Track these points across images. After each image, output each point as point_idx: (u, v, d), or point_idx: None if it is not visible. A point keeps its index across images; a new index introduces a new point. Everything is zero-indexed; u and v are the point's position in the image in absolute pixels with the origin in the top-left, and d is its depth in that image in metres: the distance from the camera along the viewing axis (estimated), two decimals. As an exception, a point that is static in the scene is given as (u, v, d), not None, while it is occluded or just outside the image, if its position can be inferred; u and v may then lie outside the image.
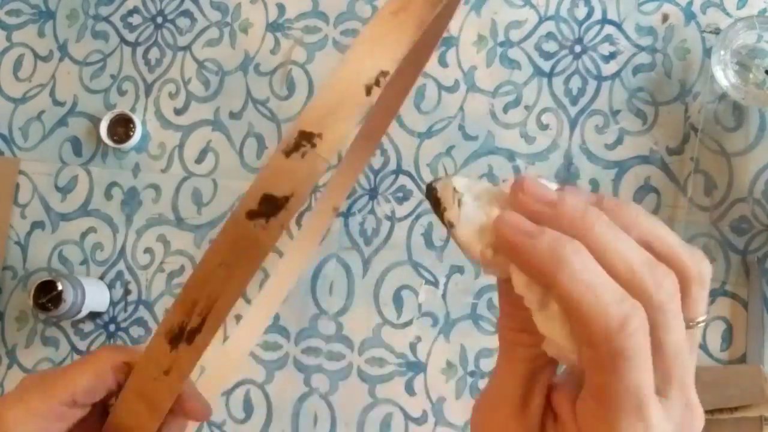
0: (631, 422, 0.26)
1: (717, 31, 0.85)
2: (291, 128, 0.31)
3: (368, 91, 0.31)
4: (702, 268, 0.30)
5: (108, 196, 0.90)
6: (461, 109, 0.87)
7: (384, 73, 0.31)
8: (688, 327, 0.28)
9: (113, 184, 0.90)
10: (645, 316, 0.26)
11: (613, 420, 0.26)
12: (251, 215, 0.31)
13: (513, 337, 0.30)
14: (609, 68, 0.86)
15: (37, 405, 0.37)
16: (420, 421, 0.83)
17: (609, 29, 0.87)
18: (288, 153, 0.31)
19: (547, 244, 0.27)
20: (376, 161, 0.87)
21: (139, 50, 0.92)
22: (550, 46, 0.87)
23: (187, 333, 0.31)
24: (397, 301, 0.85)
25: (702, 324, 0.29)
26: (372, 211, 0.86)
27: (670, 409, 0.27)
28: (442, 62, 0.88)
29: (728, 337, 0.81)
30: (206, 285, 0.31)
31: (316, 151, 0.31)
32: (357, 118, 0.31)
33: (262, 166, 0.31)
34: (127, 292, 0.88)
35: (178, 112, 0.91)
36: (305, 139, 0.31)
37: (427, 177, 0.86)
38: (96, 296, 0.85)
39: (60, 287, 0.79)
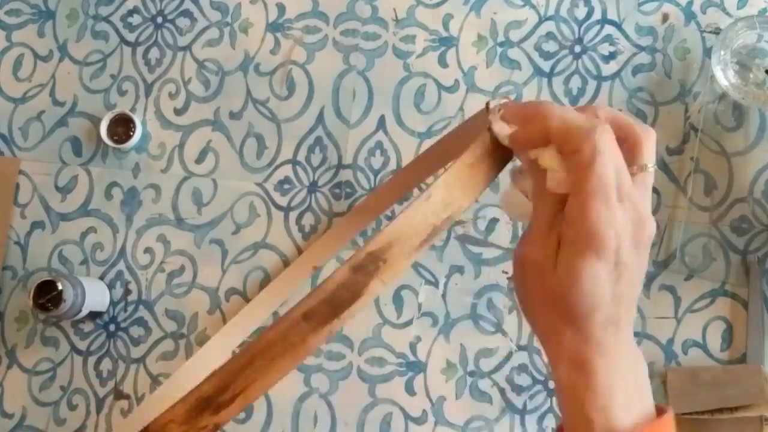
0: (600, 207, 0.38)
1: (717, 31, 0.85)
2: (362, 247, 0.36)
3: (435, 231, 0.37)
4: (647, 130, 0.42)
5: (108, 196, 0.90)
6: (461, 109, 0.87)
7: (449, 219, 0.37)
8: (642, 170, 0.41)
9: (113, 184, 0.90)
10: (610, 131, 0.39)
11: (588, 204, 0.38)
12: (306, 317, 0.33)
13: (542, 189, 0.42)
14: (609, 68, 0.86)
15: None
16: (420, 420, 0.83)
17: (609, 29, 0.87)
18: (355, 269, 0.35)
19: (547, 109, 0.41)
20: (376, 161, 0.87)
21: (139, 50, 0.92)
22: (550, 46, 0.87)
23: (216, 404, 0.31)
24: (397, 301, 0.85)
25: (651, 169, 0.41)
26: (372, 211, 0.86)
27: (625, 208, 0.38)
28: (442, 62, 0.88)
29: (728, 337, 0.81)
30: (248, 367, 0.33)
31: (378, 273, 0.35)
32: (418, 253, 0.37)
33: (326, 278, 0.34)
34: (127, 292, 0.88)
35: (178, 112, 0.91)
36: (372, 261, 0.35)
37: (427, 177, 0.86)
38: (96, 296, 0.85)
39: (60, 287, 0.79)
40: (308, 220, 0.87)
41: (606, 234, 0.37)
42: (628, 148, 0.41)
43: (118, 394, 0.86)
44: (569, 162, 0.39)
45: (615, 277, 0.38)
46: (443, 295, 0.85)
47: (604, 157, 0.38)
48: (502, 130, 0.42)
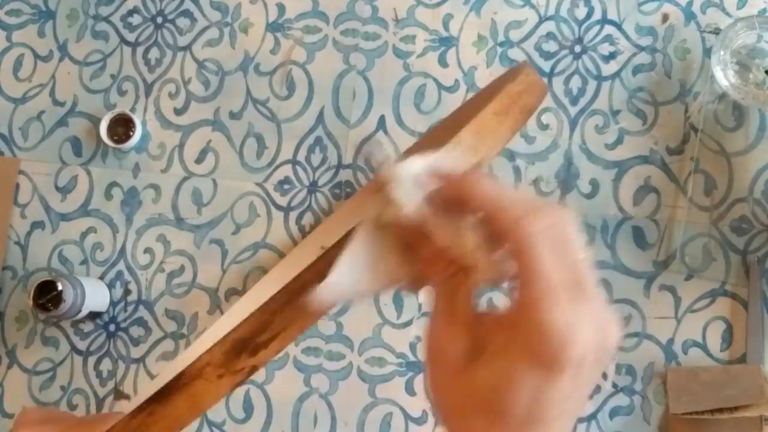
0: (557, 314, 0.30)
1: (717, 31, 0.85)
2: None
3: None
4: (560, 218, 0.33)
5: (108, 196, 0.90)
6: (461, 109, 0.87)
7: (478, 165, 0.35)
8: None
9: (113, 184, 0.90)
10: (547, 218, 0.31)
11: (541, 310, 0.30)
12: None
13: (431, 272, 0.36)
14: (609, 68, 0.86)
15: None
16: (420, 421, 0.83)
17: (609, 29, 0.87)
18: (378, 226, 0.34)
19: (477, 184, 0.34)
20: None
21: (139, 50, 0.92)
22: (550, 46, 0.87)
23: (253, 345, 0.31)
24: (397, 301, 0.85)
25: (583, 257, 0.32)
26: (372, 211, 0.86)
27: (590, 312, 0.31)
28: (442, 62, 0.88)
29: (728, 337, 0.81)
30: (287, 306, 0.32)
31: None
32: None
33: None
34: (127, 292, 0.88)
35: (178, 112, 0.91)
36: None
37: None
38: (96, 296, 0.85)
39: (60, 287, 0.79)
40: (308, 220, 0.87)
41: (569, 348, 0.30)
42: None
43: (118, 394, 0.86)
44: (500, 234, 0.33)
45: (565, 395, 0.31)
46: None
47: (543, 249, 0.31)
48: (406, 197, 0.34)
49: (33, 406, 0.87)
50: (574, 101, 0.86)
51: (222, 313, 0.87)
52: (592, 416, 0.81)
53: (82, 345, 0.87)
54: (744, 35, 0.82)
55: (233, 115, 0.90)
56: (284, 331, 0.32)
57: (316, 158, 0.88)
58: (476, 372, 0.32)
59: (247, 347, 0.32)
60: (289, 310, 0.33)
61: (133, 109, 0.91)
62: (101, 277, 0.88)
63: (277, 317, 0.32)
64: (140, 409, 0.32)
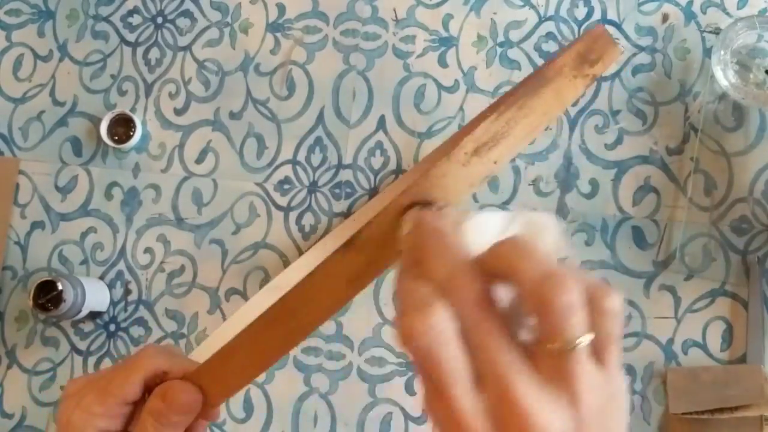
0: (437, 404, 0.29)
1: (717, 31, 0.85)
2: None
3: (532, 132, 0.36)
4: (552, 296, 0.29)
5: (108, 196, 0.90)
6: (461, 109, 0.87)
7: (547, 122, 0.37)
8: (563, 350, 0.29)
9: (113, 184, 0.90)
10: (445, 317, 0.29)
11: (427, 393, 0.30)
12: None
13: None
14: (609, 68, 0.86)
15: (96, 408, 0.41)
16: (420, 420, 0.83)
17: (609, 29, 0.87)
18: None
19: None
20: (376, 161, 0.87)
21: (139, 50, 0.92)
22: (550, 46, 0.87)
23: (589, 61, 0.36)
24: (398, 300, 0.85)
25: (580, 344, 0.29)
26: (372, 211, 0.86)
27: (483, 401, 0.29)
28: (442, 62, 0.88)
29: (728, 337, 0.81)
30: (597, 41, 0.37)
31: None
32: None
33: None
34: (127, 292, 0.88)
35: (178, 112, 0.91)
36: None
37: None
38: (96, 296, 0.85)
39: (60, 287, 0.79)
40: (308, 220, 0.87)
41: None
42: (535, 312, 0.30)
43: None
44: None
45: None
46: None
47: (420, 352, 0.29)
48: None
49: (33, 406, 0.87)
50: (574, 101, 0.86)
51: (222, 312, 0.87)
52: (592, 416, 0.81)
53: (82, 345, 0.87)
54: (744, 35, 0.82)
55: (233, 115, 0.90)
56: (604, 58, 0.36)
57: (316, 158, 0.88)
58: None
59: (586, 60, 0.35)
60: (602, 42, 0.36)
61: (133, 109, 0.91)
62: (101, 277, 0.88)
63: (596, 46, 0.36)
64: (507, 105, 0.34)
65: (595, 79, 0.37)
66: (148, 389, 0.42)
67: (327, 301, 0.37)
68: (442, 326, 0.29)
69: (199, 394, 0.40)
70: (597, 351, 0.29)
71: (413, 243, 0.32)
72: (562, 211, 0.84)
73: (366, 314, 0.85)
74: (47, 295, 0.80)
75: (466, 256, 0.31)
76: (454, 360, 0.29)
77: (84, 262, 0.89)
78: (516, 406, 0.28)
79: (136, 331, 0.87)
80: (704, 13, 0.86)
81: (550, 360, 0.29)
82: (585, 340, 0.29)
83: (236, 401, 0.85)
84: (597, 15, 0.87)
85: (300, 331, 0.38)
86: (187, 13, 0.92)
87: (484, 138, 0.34)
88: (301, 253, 0.87)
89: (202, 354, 0.43)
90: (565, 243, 0.33)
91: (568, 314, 0.28)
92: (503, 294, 0.31)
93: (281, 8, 0.91)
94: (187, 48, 0.91)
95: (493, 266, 0.30)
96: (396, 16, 0.90)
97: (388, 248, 0.35)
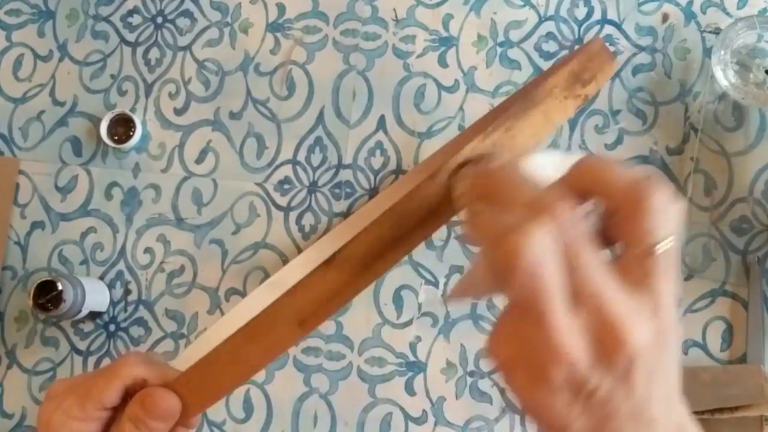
0: (532, 328, 0.29)
1: (717, 31, 0.85)
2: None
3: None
4: (647, 192, 0.30)
5: (108, 196, 0.90)
6: (461, 109, 0.87)
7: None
8: (647, 254, 0.30)
9: (113, 184, 0.90)
10: (544, 228, 0.29)
11: (509, 323, 0.30)
12: None
13: None
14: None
15: (75, 411, 0.43)
16: (420, 420, 0.83)
17: (609, 29, 0.87)
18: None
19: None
20: (376, 161, 0.87)
21: (139, 50, 0.92)
22: (550, 46, 0.87)
23: (581, 81, 0.36)
24: (397, 300, 0.85)
25: (667, 245, 0.30)
26: (372, 211, 0.86)
27: (578, 319, 0.29)
28: (442, 62, 0.88)
29: (728, 337, 0.81)
30: (593, 61, 0.36)
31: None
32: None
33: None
34: (127, 292, 0.88)
35: (178, 112, 0.91)
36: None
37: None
38: (96, 296, 0.85)
39: (60, 287, 0.79)
40: (308, 220, 0.87)
41: (544, 364, 0.29)
42: (622, 220, 0.31)
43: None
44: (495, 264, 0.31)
45: (580, 406, 0.30)
46: (443, 295, 0.85)
47: (519, 270, 0.28)
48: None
49: (33, 406, 0.87)
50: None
51: (222, 312, 0.87)
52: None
53: (82, 345, 0.87)
54: (744, 35, 0.82)
55: (233, 115, 0.90)
56: (598, 77, 0.36)
57: (316, 158, 0.88)
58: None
59: (579, 80, 0.35)
60: (599, 61, 0.36)
61: (133, 109, 0.91)
62: (101, 277, 0.88)
63: (591, 64, 0.35)
64: (494, 127, 0.34)
65: (587, 99, 0.36)
66: (128, 395, 0.43)
67: (304, 317, 0.37)
68: (544, 243, 0.29)
69: (177, 401, 0.41)
70: (670, 258, 0.30)
71: (481, 189, 0.32)
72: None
73: (366, 314, 0.85)
74: (47, 295, 0.80)
75: (542, 183, 0.31)
76: (555, 279, 0.29)
77: (84, 262, 0.89)
78: (610, 321, 0.29)
79: (136, 331, 0.87)
80: (704, 13, 0.86)
81: (636, 268, 0.30)
82: (668, 242, 0.30)
83: (236, 401, 0.85)
84: (597, 15, 0.87)
85: (279, 346, 0.38)
86: (187, 13, 0.92)
87: (469, 158, 0.34)
88: (301, 252, 0.87)
89: (197, 349, 0.43)
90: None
91: (661, 213, 0.30)
92: (592, 211, 0.31)
93: (281, 8, 0.91)
94: (187, 48, 0.91)
95: (578, 182, 0.31)
96: (396, 16, 0.90)
97: (370, 270, 0.35)
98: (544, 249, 0.28)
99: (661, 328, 0.30)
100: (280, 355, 0.38)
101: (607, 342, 0.29)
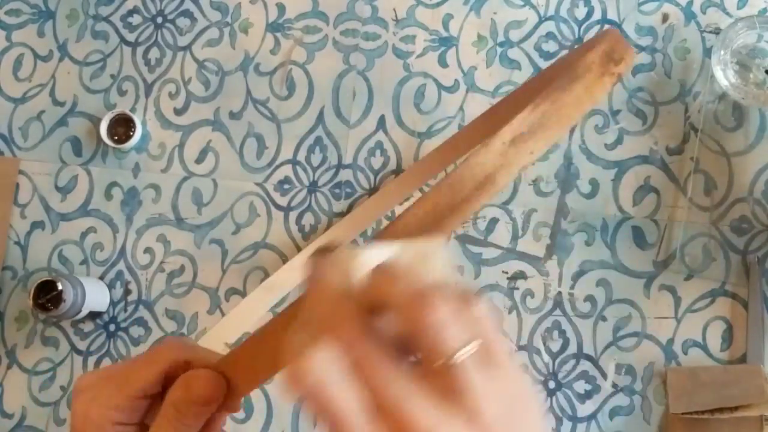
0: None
1: (717, 31, 0.85)
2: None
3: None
4: (427, 314, 0.29)
5: (108, 196, 0.90)
6: (461, 109, 0.87)
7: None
8: (450, 365, 0.29)
9: (113, 184, 0.90)
10: (326, 356, 0.28)
11: None
12: None
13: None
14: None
15: (114, 401, 0.40)
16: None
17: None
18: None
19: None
20: (376, 161, 0.87)
21: (139, 50, 0.92)
22: (550, 46, 0.87)
23: (614, 60, 0.38)
24: (397, 301, 0.85)
25: (466, 353, 0.29)
26: (372, 211, 0.86)
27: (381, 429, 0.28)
28: (442, 62, 0.88)
29: (728, 337, 0.81)
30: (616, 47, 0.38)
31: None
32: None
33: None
34: (127, 292, 0.88)
35: (178, 112, 0.91)
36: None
37: (427, 177, 0.86)
38: (96, 296, 0.85)
39: (60, 287, 0.79)
40: (308, 220, 0.87)
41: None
42: (412, 336, 0.30)
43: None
44: None
45: None
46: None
47: (311, 394, 0.28)
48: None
49: (33, 406, 0.87)
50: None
51: (222, 312, 0.87)
52: (592, 416, 0.81)
53: (82, 345, 0.87)
54: (744, 35, 0.82)
55: (233, 115, 0.90)
56: (626, 58, 0.38)
57: (316, 158, 0.88)
58: None
59: (611, 59, 0.37)
60: (622, 44, 0.38)
61: (133, 109, 0.91)
62: (101, 277, 0.88)
63: (618, 46, 0.38)
64: (542, 98, 0.36)
65: (620, 78, 0.38)
66: (167, 382, 0.41)
67: None
68: (323, 364, 0.28)
69: (223, 382, 0.39)
70: (485, 357, 0.29)
71: (305, 293, 0.32)
72: (562, 211, 0.84)
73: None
74: (47, 295, 0.80)
75: (343, 294, 0.30)
76: (342, 397, 0.28)
77: (84, 262, 0.89)
78: None
79: (136, 331, 0.87)
80: (704, 13, 0.86)
81: (440, 378, 0.29)
82: (467, 350, 0.29)
83: (236, 401, 0.85)
84: (597, 15, 0.87)
85: None
86: (187, 13, 0.92)
87: (521, 129, 0.36)
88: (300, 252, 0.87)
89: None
90: (452, 267, 0.33)
91: (440, 331, 0.28)
92: (389, 324, 0.30)
93: (281, 8, 0.91)
94: (187, 48, 0.91)
95: (369, 297, 0.30)
96: (396, 16, 0.90)
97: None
98: (324, 372, 0.28)
99: None
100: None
101: None
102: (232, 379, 0.40)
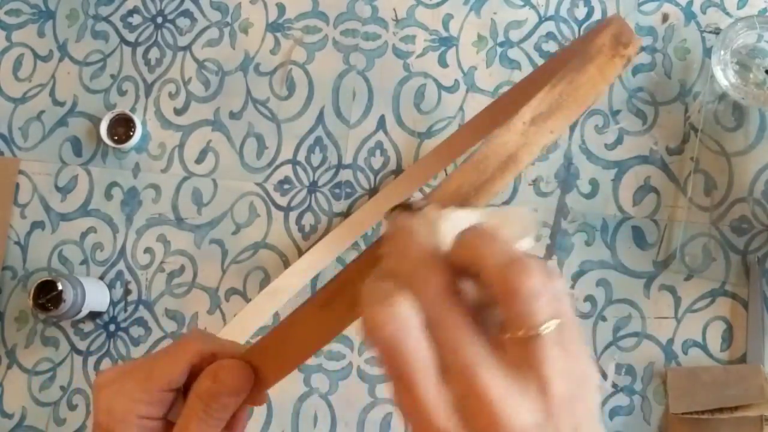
0: (402, 396, 0.28)
1: (717, 31, 0.85)
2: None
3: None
4: (519, 282, 0.29)
5: (108, 196, 0.90)
6: (461, 109, 0.87)
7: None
8: (530, 337, 0.28)
9: (113, 184, 0.90)
10: (408, 307, 0.29)
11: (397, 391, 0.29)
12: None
13: None
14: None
15: (139, 395, 0.40)
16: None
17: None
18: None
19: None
20: (376, 161, 0.87)
21: (139, 50, 0.92)
22: (550, 46, 0.87)
23: (622, 43, 0.38)
24: (397, 301, 0.85)
25: (547, 329, 0.28)
26: (372, 211, 0.86)
27: (447, 393, 0.28)
28: (442, 62, 0.88)
29: (728, 337, 0.81)
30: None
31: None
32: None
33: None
34: (127, 292, 0.88)
35: (178, 112, 0.91)
36: None
37: (427, 177, 0.86)
38: (96, 296, 0.85)
39: (60, 287, 0.79)
40: (308, 220, 0.87)
41: (414, 428, 0.29)
42: (499, 302, 0.29)
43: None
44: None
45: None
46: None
47: (386, 343, 0.28)
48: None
49: (33, 406, 0.87)
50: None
51: (222, 312, 0.87)
52: (592, 416, 0.81)
53: (82, 345, 0.87)
54: (744, 35, 0.82)
55: (233, 115, 0.90)
56: (633, 42, 0.39)
57: (316, 158, 0.88)
58: None
59: (620, 42, 0.38)
60: (627, 28, 0.39)
61: (133, 109, 0.91)
62: (101, 277, 0.88)
63: (624, 29, 0.39)
64: (558, 79, 0.36)
65: (630, 60, 0.38)
66: (192, 376, 0.41)
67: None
68: (404, 315, 0.28)
69: (251, 372, 0.39)
70: (561, 334, 0.29)
71: (388, 246, 0.32)
72: (562, 211, 0.84)
73: (366, 314, 0.85)
74: (47, 295, 0.80)
75: (432, 251, 0.30)
76: (418, 351, 0.28)
77: (84, 262, 0.89)
78: (482, 398, 0.28)
79: (136, 331, 0.87)
80: (704, 13, 0.86)
81: (516, 348, 0.28)
82: (551, 325, 0.28)
83: (236, 401, 0.85)
84: (597, 15, 0.87)
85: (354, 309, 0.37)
86: (187, 13, 0.92)
87: (541, 108, 0.36)
88: (301, 253, 0.87)
89: None
90: (535, 235, 0.33)
91: (533, 300, 0.28)
92: (470, 287, 0.30)
93: (281, 8, 0.91)
94: (187, 48, 0.91)
95: (458, 257, 0.30)
96: (396, 16, 0.90)
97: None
98: (405, 322, 0.28)
99: (549, 412, 0.28)
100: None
101: (481, 422, 0.28)
102: (259, 368, 0.39)
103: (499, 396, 0.28)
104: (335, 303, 0.37)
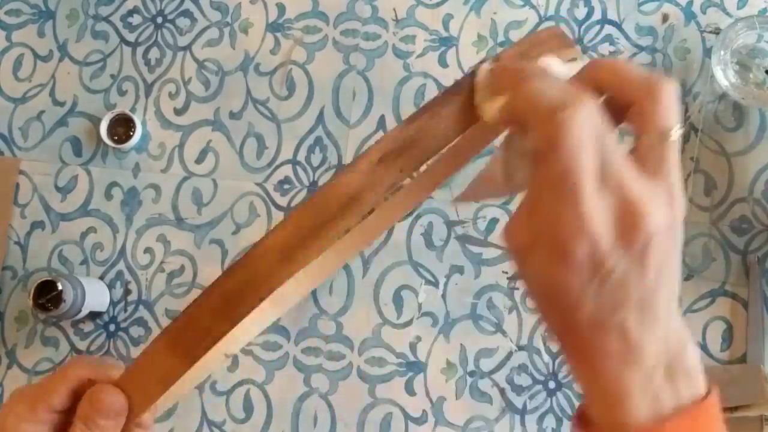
0: (560, 206, 0.31)
1: (717, 31, 0.85)
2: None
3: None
4: (656, 86, 0.34)
5: (108, 196, 0.90)
6: (461, 109, 0.87)
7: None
8: (663, 140, 0.33)
9: (113, 184, 0.90)
10: (589, 110, 0.31)
11: (542, 201, 0.31)
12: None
13: None
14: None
15: (25, 415, 0.44)
16: (420, 421, 0.83)
17: (609, 29, 0.87)
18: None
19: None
20: (376, 161, 0.87)
21: (139, 50, 0.92)
22: (550, 46, 0.87)
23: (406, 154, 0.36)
24: (397, 301, 0.85)
25: (677, 132, 0.33)
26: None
27: (604, 199, 0.31)
28: (442, 62, 0.88)
29: (728, 337, 0.81)
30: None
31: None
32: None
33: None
34: (127, 292, 0.88)
35: (178, 112, 0.91)
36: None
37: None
38: (96, 296, 0.85)
39: (60, 287, 0.79)
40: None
41: (568, 239, 0.30)
42: (637, 110, 0.33)
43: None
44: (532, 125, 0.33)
45: (596, 286, 0.31)
46: (443, 295, 0.85)
47: (565, 146, 0.30)
48: (490, 108, 0.35)
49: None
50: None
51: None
52: (592, 416, 0.81)
53: (82, 345, 0.87)
54: (744, 35, 0.82)
55: (233, 115, 0.90)
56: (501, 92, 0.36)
57: (316, 158, 0.88)
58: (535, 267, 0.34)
59: (495, 91, 0.36)
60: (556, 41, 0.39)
61: (133, 109, 0.91)
62: (101, 277, 0.88)
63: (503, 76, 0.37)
64: (416, 115, 0.35)
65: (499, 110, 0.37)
66: (78, 398, 0.44)
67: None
68: (590, 122, 0.30)
69: (122, 396, 0.42)
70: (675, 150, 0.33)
71: (509, 77, 0.34)
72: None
73: (366, 314, 0.85)
74: (47, 295, 0.80)
75: (576, 75, 0.35)
76: (593, 156, 0.30)
77: (84, 262, 0.89)
78: (632, 204, 0.31)
79: (136, 331, 0.87)
80: (704, 13, 0.86)
81: (652, 155, 0.32)
82: (678, 130, 0.33)
83: (236, 401, 0.85)
84: (597, 15, 0.87)
85: (213, 340, 0.39)
86: (187, 13, 0.92)
87: (392, 146, 0.35)
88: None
89: None
90: None
91: (673, 102, 0.33)
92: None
93: (281, 8, 0.91)
94: (187, 48, 0.91)
95: (593, 79, 0.34)
96: (396, 16, 0.90)
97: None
98: (588, 129, 0.30)
99: (674, 218, 0.32)
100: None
101: (627, 221, 0.31)
102: (130, 393, 0.42)
103: (644, 199, 0.31)
104: (179, 343, 0.38)
